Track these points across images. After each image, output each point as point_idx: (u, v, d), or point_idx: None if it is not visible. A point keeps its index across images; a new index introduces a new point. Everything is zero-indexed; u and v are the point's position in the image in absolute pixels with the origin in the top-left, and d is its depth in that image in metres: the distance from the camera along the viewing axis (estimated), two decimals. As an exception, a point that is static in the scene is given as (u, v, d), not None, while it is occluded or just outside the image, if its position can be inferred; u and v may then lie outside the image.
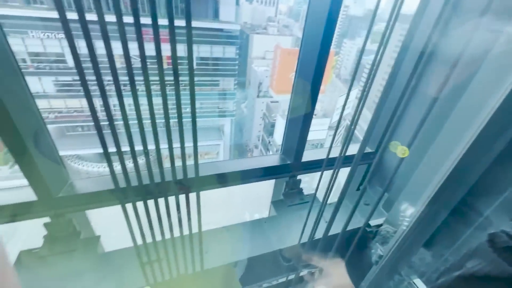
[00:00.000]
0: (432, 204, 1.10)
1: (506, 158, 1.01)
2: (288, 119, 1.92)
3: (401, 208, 1.53)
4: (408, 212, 1.28)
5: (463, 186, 1.10)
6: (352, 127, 1.05)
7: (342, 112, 1.07)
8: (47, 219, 1.42)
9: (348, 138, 1.11)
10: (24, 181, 1.27)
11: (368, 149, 2.19)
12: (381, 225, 1.84)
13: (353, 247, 1.43)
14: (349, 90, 1.07)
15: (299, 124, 1.76)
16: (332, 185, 1.30)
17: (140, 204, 1.08)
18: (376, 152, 2.14)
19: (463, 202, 1.20)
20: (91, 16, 0.74)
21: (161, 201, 1.12)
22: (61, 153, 1.37)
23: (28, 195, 1.30)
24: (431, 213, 1.15)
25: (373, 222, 1.85)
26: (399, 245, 1.44)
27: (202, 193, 1.23)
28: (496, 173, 1.01)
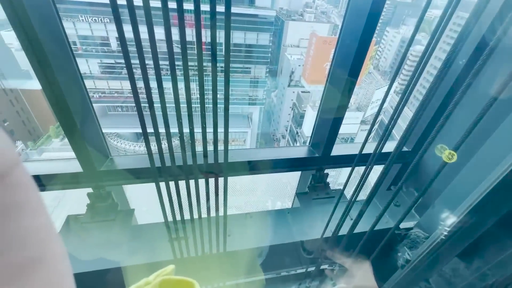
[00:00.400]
0: (474, 212, 1.01)
1: None
2: (320, 110, 1.86)
3: (437, 213, 1.43)
4: (445, 218, 1.19)
5: (509, 201, 0.98)
6: (392, 123, 0.99)
7: (381, 106, 1.01)
8: (90, 190, 1.57)
9: (386, 135, 1.05)
10: (72, 154, 1.41)
11: (404, 148, 2.06)
12: (411, 228, 1.74)
13: (380, 247, 1.38)
14: (392, 83, 1.00)
15: (331, 117, 1.70)
16: (364, 182, 1.25)
17: (172, 184, 1.15)
18: (413, 151, 2.00)
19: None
20: (137, 1, 0.77)
21: (192, 183, 1.17)
22: (103, 130, 1.49)
23: (75, 167, 1.44)
24: (472, 222, 1.06)
25: (402, 225, 1.76)
26: (430, 251, 1.36)
27: (229, 178, 1.26)
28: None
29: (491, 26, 1.27)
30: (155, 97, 0.94)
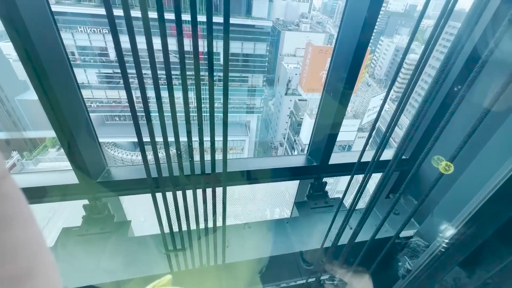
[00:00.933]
0: (473, 220, 1.00)
1: None
2: (317, 119, 1.87)
3: (436, 221, 1.42)
4: (445, 227, 1.18)
5: (508, 208, 0.98)
6: (390, 131, 0.99)
7: (379, 114, 1.01)
8: (85, 201, 1.54)
9: (384, 142, 1.05)
10: (69, 164, 1.39)
11: (402, 156, 2.07)
12: (411, 237, 1.73)
13: (381, 257, 1.36)
14: (388, 91, 1.01)
15: (328, 125, 1.71)
16: (362, 191, 1.24)
17: (169, 195, 1.13)
18: (411, 159, 2.01)
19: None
20: (135, 13, 0.78)
21: (189, 193, 1.16)
22: (100, 140, 1.48)
23: (71, 178, 1.42)
24: (471, 231, 1.05)
25: (402, 233, 1.74)
26: (431, 261, 1.34)
27: (228, 188, 1.24)
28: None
29: (483, 38, 1.29)
30: (152, 106, 0.94)
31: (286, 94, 34.79)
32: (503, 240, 1.13)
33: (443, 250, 1.17)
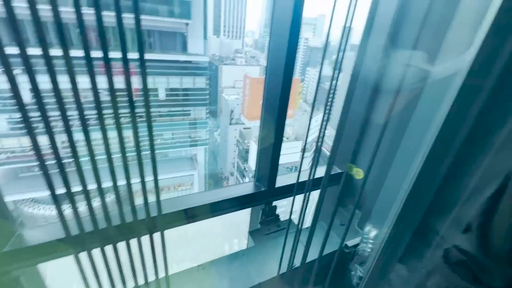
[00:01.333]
0: (399, 222, 1.14)
1: (452, 176, 1.11)
2: (259, 145, 1.94)
3: (374, 226, 1.56)
4: (380, 229, 1.31)
5: (421, 205, 1.15)
6: (318, 150, 1.08)
7: (306, 137, 1.11)
8: (-14, 280, 1.20)
9: (315, 161, 1.14)
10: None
11: (338, 170, 2.27)
12: (358, 244, 1.84)
13: (332, 271, 1.40)
14: (311, 115, 1.12)
15: (270, 150, 1.78)
16: (305, 209, 1.29)
17: (97, 251, 0.97)
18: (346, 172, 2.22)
19: (423, 222, 1.25)
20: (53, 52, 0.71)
21: (122, 245, 1.01)
22: (13, 198, 1.21)
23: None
24: (399, 231, 1.18)
25: (351, 243, 1.85)
26: (376, 263, 1.44)
27: (181, 227, 1.14)
28: (446, 191, 1.09)
29: (373, 65, 1.59)
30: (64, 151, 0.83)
31: (230, 124, 35.61)
32: (419, 239, 1.30)
33: (382, 251, 1.28)
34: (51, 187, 0.74)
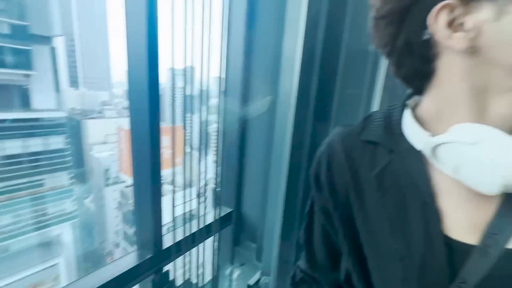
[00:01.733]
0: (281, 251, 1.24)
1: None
2: (135, 206, 1.68)
3: (266, 255, 1.62)
4: (270, 258, 1.37)
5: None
6: (200, 196, 1.04)
7: (184, 183, 1.05)
8: None
9: (198, 209, 1.09)
10: None
11: (228, 209, 2.29)
12: (259, 279, 1.84)
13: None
14: (199, 160, 1.09)
15: (148, 209, 1.58)
16: (197, 264, 1.18)
17: None
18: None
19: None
20: None
21: None
22: None
23: None
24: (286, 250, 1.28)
25: (252, 281, 1.82)
26: (279, 293, 1.48)
27: None
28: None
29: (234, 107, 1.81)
30: None
31: (107, 185, 30.03)
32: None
33: (277, 279, 1.32)
34: None
